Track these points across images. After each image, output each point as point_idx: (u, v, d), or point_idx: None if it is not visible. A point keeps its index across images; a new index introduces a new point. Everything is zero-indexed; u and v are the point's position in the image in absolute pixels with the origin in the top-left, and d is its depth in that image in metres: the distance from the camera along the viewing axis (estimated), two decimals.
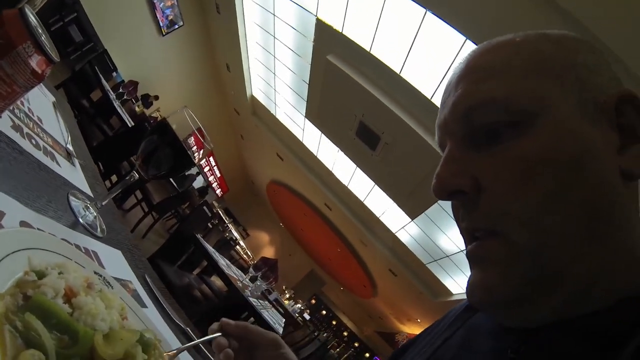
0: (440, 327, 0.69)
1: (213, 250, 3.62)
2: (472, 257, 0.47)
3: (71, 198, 0.76)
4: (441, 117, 0.52)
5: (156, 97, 9.37)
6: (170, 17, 8.49)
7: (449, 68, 5.27)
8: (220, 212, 11.99)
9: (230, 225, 12.92)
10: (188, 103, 10.58)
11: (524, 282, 0.43)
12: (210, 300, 3.50)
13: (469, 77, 0.49)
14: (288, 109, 9.95)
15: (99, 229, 0.79)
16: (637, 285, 0.41)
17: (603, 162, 0.42)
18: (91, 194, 0.91)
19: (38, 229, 0.54)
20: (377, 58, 6.07)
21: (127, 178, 0.87)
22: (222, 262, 3.52)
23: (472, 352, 0.54)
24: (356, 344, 25.06)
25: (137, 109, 8.13)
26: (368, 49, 6.07)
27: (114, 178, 4.16)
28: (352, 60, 6.52)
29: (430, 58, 5.41)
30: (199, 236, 3.21)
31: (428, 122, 6.25)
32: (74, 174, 0.90)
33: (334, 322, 25.51)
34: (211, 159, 15.16)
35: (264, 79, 9.94)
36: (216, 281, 4.29)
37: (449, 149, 0.49)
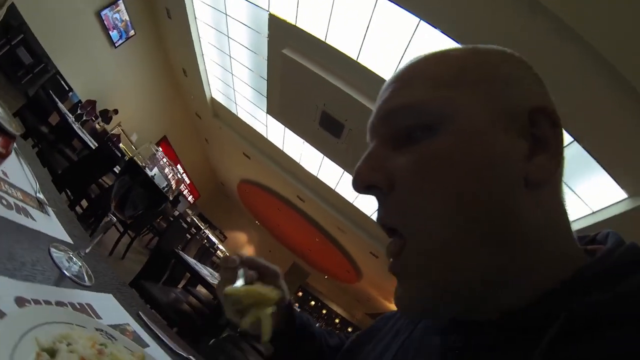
0: (398, 323, 0.75)
1: (194, 261, 3.61)
2: (391, 252, 0.50)
3: (53, 253, 0.74)
4: (370, 120, 0.56)
5: (115, 111, 9.18)
6: (121, 28, 8.30)
7: (406, 49, 5.34)
8: (195, 219, 11.90)
9: (206, 231, 12.83)
10: (148, 113, 10.48)
11: (433, 292, 0.46)
12: (201, 312, 3.47)
13: (393, 85, 0.54)
14: (249, 107, 9.94)
15: (86, 278, 0.78)
16: (556, 279, 0.44)
17: (507, 170, 0.45)
18: (71, 241, 0.90)
19: (32, 299, 0.54)
20: (333, 47, 6.09)
21: (106, 221, 0.86)
22: (205, 271, 3.50)
23: (424, 351, 0.58)
24: (349, 329, 25.37)
25: (97, 126, 7.94)
26: (323, 39, 6.08)
27: (84, 203, 4.06)
28: (308, 51, 6.52)
29: (386, 41, 5.46)
30: (178, 250, 3.19)
31: None
32: (50, 224, 0.88)
33: (324, 311, 25.72)
34: (179, 166, 15.01)
35: (222, 80, 9.89)
36: (202, 290, 4.28)
37: (371, 147, 0.54)
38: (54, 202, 1.00)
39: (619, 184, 4.89)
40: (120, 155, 3.96)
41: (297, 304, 17.68)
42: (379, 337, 0.77)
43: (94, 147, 4.03)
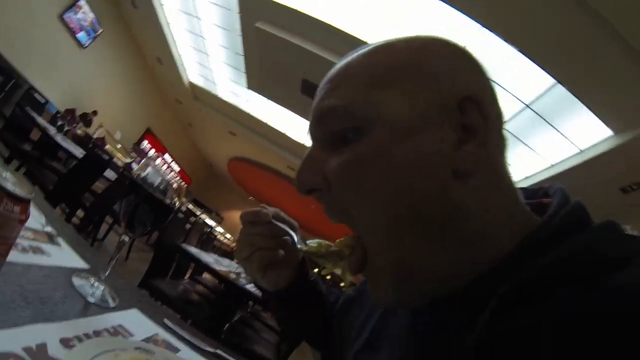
0: None
1: (197, 250, 3.64)
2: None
3: (75, 283, 0.78)
4: (309, 121, 0.57)
5: (94, 112, 9.00)
6: (88, 27, 8.05)
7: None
8: (190, 207, 11.90)
9: (203, 216, 12.86)
10: (128, 108, 10.33)
11: (394, 286, 0.50)
12: (211, 299, 3.54)
13: (324, 87, 0.55)
14: (229, 85, 9.84)
15: (110, 300, 0.81)
16: (504, 251, 0.46)
17: (436, 163, 0.47)
18: (87, 265, 0.93)
19: (75, 337, 0.57)
20: (306, 14, 6.00)
21: (120, 241, 0.89)
22: (209, 259, 3.54)
23: (391, 332, 0.63)
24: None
25: (79, 132, 7.79)
26: (295, 7, 5.98)
27: (80, 213, 4.06)
28: (282, 21, 6.43)
29: (358, 1, 5.41)
30: (180, 243, 3.23)
31: None
32: (64, 255, 0.90)
33: (328, 277, 25.96)
34: (166, 155, 14.93)
35: (199, 62, 9.75)
36: (207, 276, 4.35)
37: (309, 150, 0.55)
38: (61, 230, 1.02)
39: (603, 122, 5.01)
40: (108, 158, 3.95)
41: None
42: (362, 305, 0.82)
43: (80, 156, 3.99)
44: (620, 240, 0.43)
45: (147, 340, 0.76)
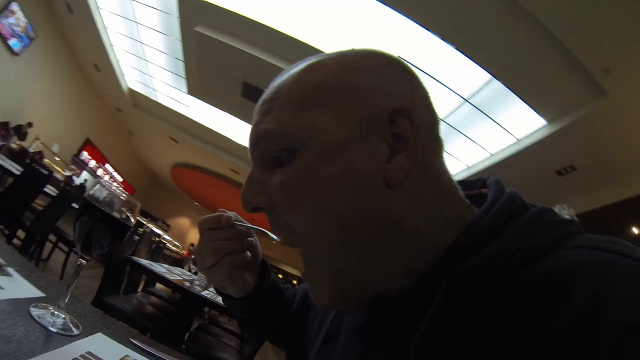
0: None
1: (148, 262, 3.56)
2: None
3: (34, 315, 0.74)
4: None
5: (30, 124, 8.42)
6: (21, 33, 7.53)
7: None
8: (137, 218, 11.56)
9: (149, 225, 12.53)
10: (65, 118, 9.90)
11: (332, 288, 0.51)
12: (167, 310, 3.46)
13: (259, 109, 0.56)
14: (169, 91, 9.67)
15: (73, 328, 0.79)
16: (442, 249, 0.49)
17: (367, 176, 0.49)
18: (42, 293, 0.89)
19: None
20: (246, 17, 5.99)
21: (78, 266, 0.86)
22: (161, 269, 3.47)
23: (347, 327, 0.63)
24: None
25: (13, 146, 7.34)
26: (235, 10, 5.95)
27: (21, 233, 3.83)
28: (222, 25, 6.38)
29: (297, 3, 5.46)
30: (130, 256, 3.14)
31: None
32: (17, 285, 0.85)
33: (280, 276, 25.98)
34: (107, 166, 14.43)
35: (138, 69, 9.47)
36: (160, 286, 4.25)
37: (251, 171, 0.57)
38: (9, 258, 0.97)
39: (537, 112, 5.51)
40: (47, 173, 3.76)
41: None
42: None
43: (17, 173, 3.78)
44: (546, 229, 0.46)
45: None
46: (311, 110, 0.51)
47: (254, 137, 0.55)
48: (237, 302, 0.85)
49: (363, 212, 0.48)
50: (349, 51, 0.57)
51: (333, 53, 0.57)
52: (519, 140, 6.24)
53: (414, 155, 0.50)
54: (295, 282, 25.57)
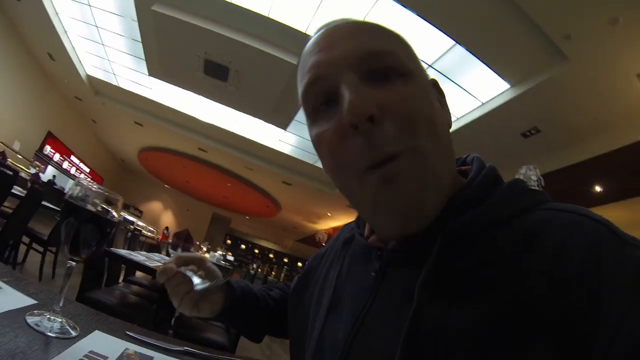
0: (328, 260, 0.88)
1: (127, 252, 3.52)
2: (388, 177, 0.53)
3: (31, 323, 0.74)
4: (337, 54, 0.58)
5: None
6: None
7: None
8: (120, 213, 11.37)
9: (122, 213, 12.34)
10: (23, 113, 9.49)
11: (436, 193, 0.56)
12: (150, 297, 3.45)
13: (369, 33, 0.60)
14: (130, 74, 9.42)
15: (71, 330, 0.79)
16: (443, 203, 0.58)
17: (441, 113, 0.63)
18: (35, 300, 0.89)
19: None
20: None
21: (68, 269, 0.86)
22: (140, 257, 3.44)
23: (355, 280, 0.71)
24: (285, 260, 26.13)
25: None
26: None
27: None
28: (178, 2, 6.22)
29: None
30: (108, 248, 3.10)
31: (271, 37, 6.42)
32: (8, 296, 0.85)
33: (256, 251, 26.22)
34: (73, 157, 14.05)
35: (95, 54, 9.17)
36: (141, 274, 4.22)
37: (354, 80, 0.55)
38: None
39: (500, 76, 5.73)
40: (12, 174, 3.63)
41: (229, 252, 17.93)
42: (315, 279, 0.89)
43: None
44: (521, 196, 0.57)
45: (121, 357, 0.77)
46: (412, 58, 0.62)
47: (374, 51, 0.57)
48: (214, 319, 0.94)
49: (446, 137, 0.60)
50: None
51: (390, 29, 0.64)
52: (483, 104, 6.47)
53: (448, 113, 0.66)
54: (271, 255, 25.75)
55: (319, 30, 0.64)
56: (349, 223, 0.90)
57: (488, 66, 5.58)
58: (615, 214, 8.12)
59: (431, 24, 5.13)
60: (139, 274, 4.27)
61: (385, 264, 0.64)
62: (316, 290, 0.84)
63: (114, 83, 10.17)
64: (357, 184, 0.56)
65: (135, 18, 6.94)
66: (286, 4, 5.76)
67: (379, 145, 0.53)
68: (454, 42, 5.35)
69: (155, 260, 3.60)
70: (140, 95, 10.29)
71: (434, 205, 0.55)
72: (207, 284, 0.79)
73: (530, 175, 6.03)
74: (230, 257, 16.33)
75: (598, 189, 7.39)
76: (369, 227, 0.74)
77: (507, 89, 5.97)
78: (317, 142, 0.62)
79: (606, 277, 0.41)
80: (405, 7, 5.01)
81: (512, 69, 5.58)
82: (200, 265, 0.85)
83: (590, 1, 4.13)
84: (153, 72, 8.60)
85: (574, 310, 0.41)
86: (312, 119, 0.63)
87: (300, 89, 0.63)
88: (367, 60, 0.56)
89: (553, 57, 4.98)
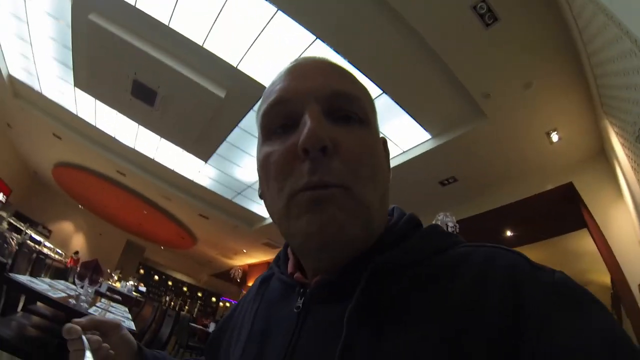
0: (246, 306, 0.85)
1: (28, 278, 3.26)
2: (318, 199, 0.56)
3: None
4: (308, 85, 0.63)
5: None
6: None
7: (219, 14, 5.43)
8: (12, 221, 10.50)
9: (28, 231, 11.45)
10: None
11: (360, 227, 0.59)
12: (53, 330, 3.17)
13: (341, 75, 0.66)
14: (55, 82, 8.92)
15: None
16: (372, 241, 0.63)
17: (386, 164, 0.69)
18: None
19: None
20: (143, 11, 5.79)
21: None
22: (43, 285, 3.19)
23: (275, 318, 0.70)
24: (199, 294, 25.48)
25: None
26: (133, 3, 5.72)
27: None
28: (118, 16, 6.06)
29: (196, 5, 5.45)
30: (6, 273, 2.83)
31: (203, 68, 6.47)
32: None
33: (169, 283, 25.34)
34: None
35: (22, 54, 8.56)
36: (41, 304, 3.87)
37: (318, 112, 0.60)
38: None
39: (423, 127, 6.28)
40: None
41: (141, 283, 17.11)
42: (232, 324, 0.88)
43: None
44: (439, 238, 0.63)
45: None
46: (372, 107, 0.69)
47: (337, 90, 0.62)
48: None
49: (383, 190, 0.64)
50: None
51: (360, 80, 0.70)
52: (405, 152, 6.93)
53: (389, 173, 0.70)
54: (185, 288, 25.02)
55: (295, 61, 0.68)
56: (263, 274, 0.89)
57: (411, 116, 6.01)
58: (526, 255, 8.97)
59: (363, 74, 5.43)
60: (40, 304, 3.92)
61: (309, 300, 0.64)
62: (235, 334, 0.81)
63: (37, 88, 9.56)
64: (287, 203, 0.59)
65: (69, 24, 6.64)
66: (221, 37, 5.83)
67: (321, 174, 0.56)
68: (381, 91, 5.69)
69: (59, 289, 3.35)
70: (63, 107, 9.79)
71: (358, 236, 0.58)
72: None
73: (447, 221, 6.39)
74: (142, 288, 15.63)
75: (509, 233, 8.18)
76: (293, 264, 0.74)
77: (428, 139, 6.47)
78: (264, 159, 0.63)
79: (524, 297, 0.47)
80: (338, 54, 5.32)
81: (434, 121, 6.07)
82: (111, 333, 0.79)
83: (509, 66, 4.71)
84: (79, 83, 8.22)
85: (498, 330, 0.46)
86: (266, 138, 0.65)
87: (263, 107, 0.66)
88: (334, 99, 0.61)
89: (472, 112, 5.55)
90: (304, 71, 0.65)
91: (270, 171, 0.61)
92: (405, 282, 0.56)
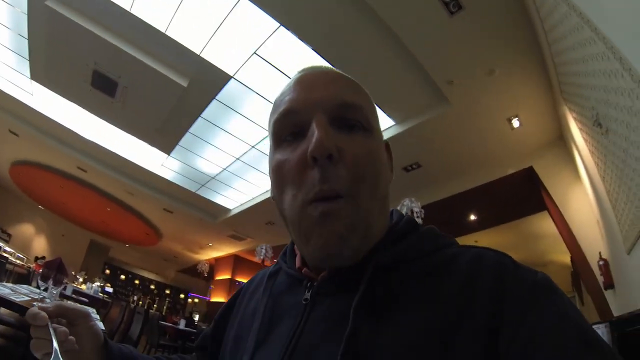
0: (252, 296, 0.89)
1: None
2: (327, 213, 0.61)
3: None
4: (315, 96, 0.68)
5: None
6: None
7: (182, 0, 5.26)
8: None
9: None
10: None
11: (360, 239, 0.63)
12: (17, 337, 3.03)
13: (346, 86, 0.72)
14: (10, 73, 8.46)
15: None
16: (376, 240, 0.68)
17: (387, 171, 0.75)
18: None
19: None
20: None
21: None
22: (5, 290, 3.07)
23: (284, 310, 0.74)
24: (167, 291, 25.17)
25: None
26: None
27: None
28: (75, 2, 5.82)
29: None
30: None
31: (165, 56, 6.40)
32: None
33: (136, 282, 24.99)
34: None
35: None
36: (6, 310, 3.70)
37: (324, 121, 0.65)
38: None
39: (387, 114, 6.54)
40: None
41: (108, 284, 16.73)
42: (231, 320, 0.90)
43: None
44: (435, 238, 0.70)
45: None
46: (376, 121, 0.76)
47: (347, 102, 0.68)
48: None
49: (385, 190, 0.70)
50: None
51: (364, 89, 0.79)
52: None
53: (392, 173, 0.79)
54: (153, 286, 24.68)
55: (302, 72, 0.74)
56: (263, 270, 0.95)
57: (375, 103, 6.00)
58: (489, 239, 9.56)
59: (326, 60, 5.53)
60: (3, 309, 3.76)
61: (316, 293, 0.69)
62: (233, 332, 0.84)
63: None
64: (300, 212, 0.64)
65: (26, 10, 6.28)
66: (185, 24, 5.74)
67: (330, 182, 0.61)
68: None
69: (22, 293, 3.23)
70: (19, 101, 9.34)
71: (356, 247, 0.63)
72: None
73: (413, 207, 6.53)
74: (109, 289, 15.33)
75: (473, 217, 8.41)
76: (300, 259, 0.79)
77: (392, 126, 6.65)
78: (278, 166, 0.68)
79: (508, 292, 0.54)
80: (301, 39, 5.41)
81: (398, 108, 6.25)
82: (79, 322, 0.74)
83: (473, 53, 4.88)
84: (36, 76, 7.92)
85: (485, 314, 0.53)
86: (277, 145, 0.71)
87: (274, 116, 0.71)
88: (339, 109, 0.67)
89: (436, 99, 5.70)
90: (311, 82, 0.71)
91: (285, 178, 0.67)
92: (405, 276, 0.63)
